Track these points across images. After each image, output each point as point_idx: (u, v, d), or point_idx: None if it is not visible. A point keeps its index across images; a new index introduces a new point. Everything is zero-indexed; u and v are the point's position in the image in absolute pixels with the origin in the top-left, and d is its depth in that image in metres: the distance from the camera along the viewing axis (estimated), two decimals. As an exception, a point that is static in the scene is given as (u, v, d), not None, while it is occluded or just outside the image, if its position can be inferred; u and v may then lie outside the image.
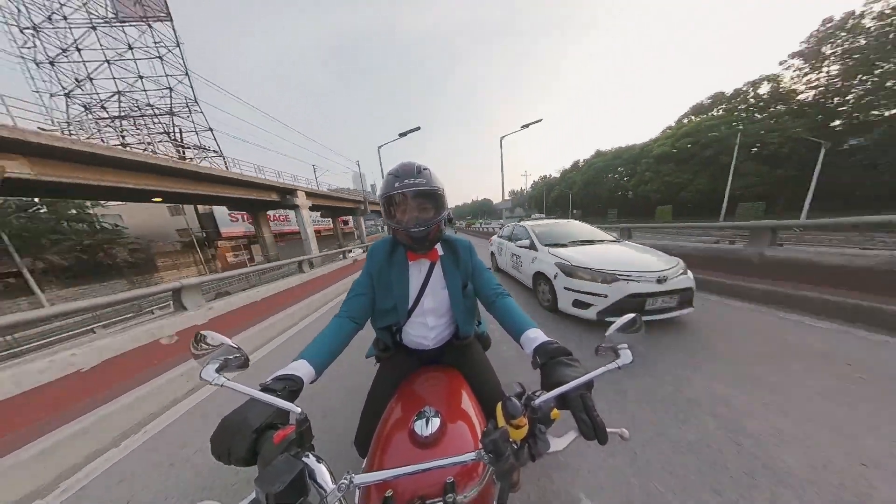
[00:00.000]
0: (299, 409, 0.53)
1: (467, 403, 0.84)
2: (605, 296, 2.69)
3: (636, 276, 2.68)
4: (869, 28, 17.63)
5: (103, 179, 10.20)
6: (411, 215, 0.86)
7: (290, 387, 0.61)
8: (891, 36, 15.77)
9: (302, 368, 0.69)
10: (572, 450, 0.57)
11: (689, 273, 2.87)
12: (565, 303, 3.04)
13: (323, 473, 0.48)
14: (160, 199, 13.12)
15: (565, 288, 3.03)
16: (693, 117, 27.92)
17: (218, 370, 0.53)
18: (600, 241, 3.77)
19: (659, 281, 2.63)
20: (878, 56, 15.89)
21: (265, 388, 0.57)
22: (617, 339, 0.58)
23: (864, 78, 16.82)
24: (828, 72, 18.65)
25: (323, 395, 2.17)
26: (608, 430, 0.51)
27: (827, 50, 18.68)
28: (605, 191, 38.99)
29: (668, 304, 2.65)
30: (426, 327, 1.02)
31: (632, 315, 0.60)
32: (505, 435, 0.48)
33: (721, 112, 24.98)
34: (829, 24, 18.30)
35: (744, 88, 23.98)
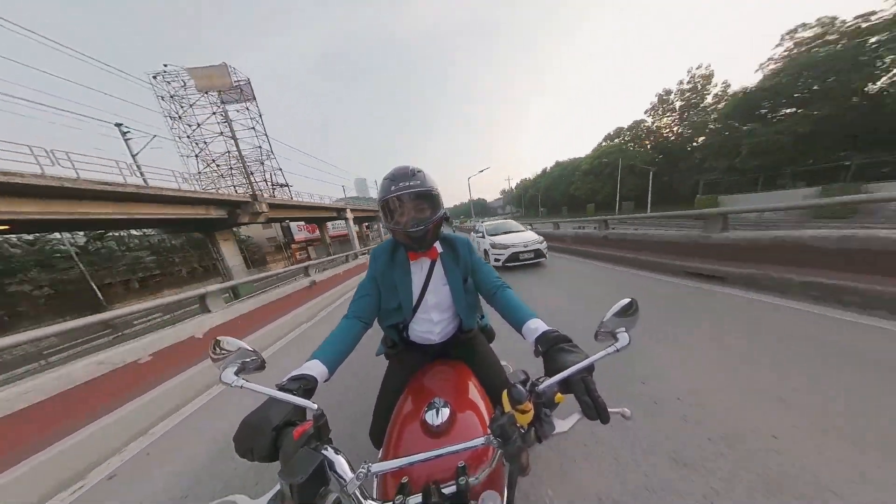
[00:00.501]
0: (315, 406, 0.55)
1: (474, 393, 0.87)
2: (503, 255, 6.42)
3: (518, 246, 6.37)
4: (685, 95, 32.20)
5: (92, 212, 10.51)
6: (409, 216, 0.88)
7: (305, 385, 0.64)
8: (692, 102, 31.53)
9: (315, 368, 0.72)
10: (576, 430, 0.59)
11: (545, 243, 6.54)
12: (491, 261, 6.51)
13: (342, 464, 0.51)
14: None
15: (492, 254, 6.61)
16: (604, 143, 42.39)
17: (237, 373, 0.56)
18: (516, 231, 7.40)
19: (525, 245, 6.36)
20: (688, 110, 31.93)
21: (282, 388, 0.60)
22: (614, 323, 0.60)
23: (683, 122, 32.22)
24: (665, 121, 35.08)
25: (336, 393, 2.31)
26: (610, 410, 0.54)
27: (660, 109, 35.15)
28: (559, 193, 55.57)
29: (530, 257, 6.40)
30: (431, 323, 1.05)
31: (627, 300, 0.61)
32: (512, 419, 0.50)
33: (617, 141, 39.47)
34: (664, 93, 34.13)
35: (626, 126, 38.99)
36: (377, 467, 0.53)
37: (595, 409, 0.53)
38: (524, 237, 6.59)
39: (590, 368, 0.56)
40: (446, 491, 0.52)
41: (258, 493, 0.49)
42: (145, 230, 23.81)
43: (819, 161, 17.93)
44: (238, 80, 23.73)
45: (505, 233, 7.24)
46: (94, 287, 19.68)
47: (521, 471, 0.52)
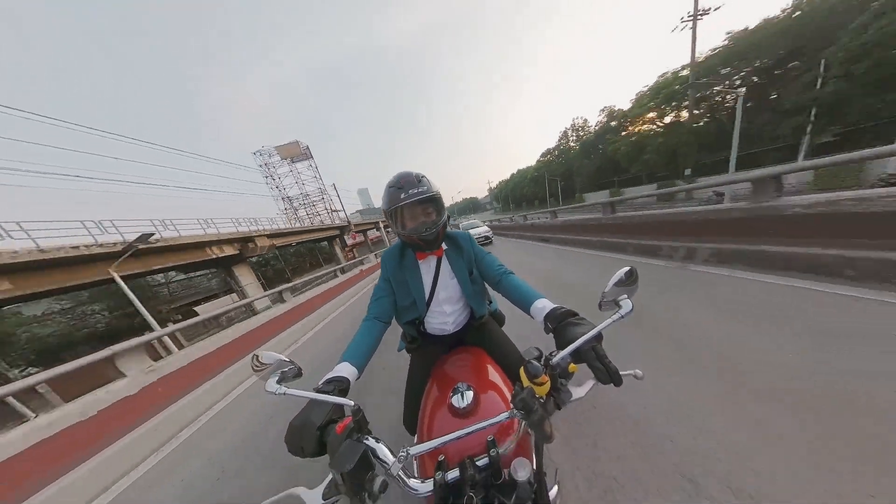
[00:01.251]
0: (352, 402, 0.60)
1: (493, 373, 0.92)
2: None
3: (479, 236, 11.16)
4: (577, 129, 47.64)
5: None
6: (419, 221, 0.93)
7: (339, 386, 0.69)
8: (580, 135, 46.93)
9: (346, 369, 0.78)
10: (592, 394, 0.64)
11: (491, 232, 12.83)
12: None
13: (383, 450, 0.56)
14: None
15: None
16: (541, 158, 60.34)
17: (278, 382, 0.61)
18: (478, 225, 13.53)
19: (480, 234, 11.46)
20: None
21: (319, 391, 0.65)
22: (615, 293, 0.61)
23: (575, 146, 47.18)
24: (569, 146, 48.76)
25: (364, 390, 2.52)
26: (622, 372, 0.57)
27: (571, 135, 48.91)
28: (518, 193, 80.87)
29: (484, 241, 11.47)
30: (444, 315, 1.10)
31: (627, 268, 0.62)
32: (531, 392, 0.55)
33: (548, 157, 55.63)
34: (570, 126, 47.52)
35: (552, 146, 54.83)
36: (415, 450, 0.58)
37: (608, 374, 0.57)
38: (480, 230, 11.97)
39: (598, 337, 0.59)
40: (480, 463, 0.58)
41: (314, 485, 0.55)
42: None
43: (670, 167, 25.31)
44: (304, 149, 44.14)
45: (471, 228, 12.83)
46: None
47: (546, 438, 0.55)
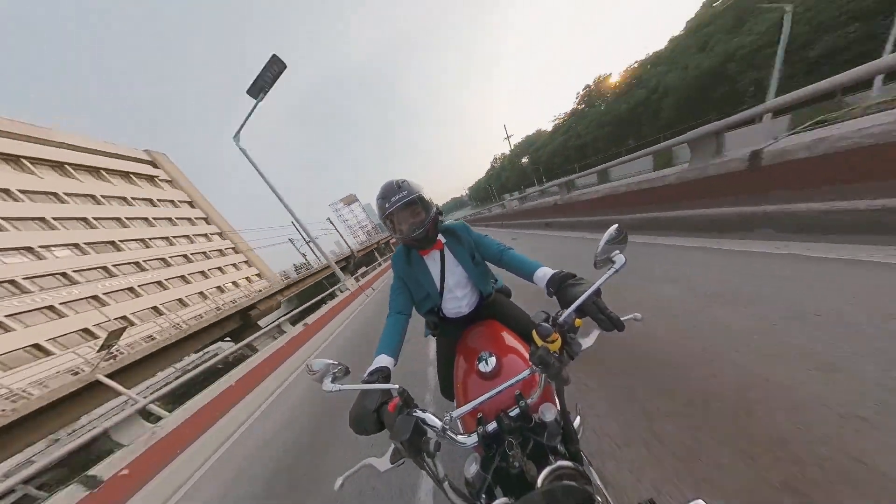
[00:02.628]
0: (397, 385, 0.71)
1: (510, 339, 1.02)
2: None
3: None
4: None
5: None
6: (408, 223, 1.00)
7: (382, 374, 0.81)
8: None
9: (384, 360, 0.89)
10: (599, 341, 0.73)
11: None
12: None
13: (431, 418, 0.67)
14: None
15: None
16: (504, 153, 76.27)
17: (332, 381, 0.71)
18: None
19: None
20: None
21: (367, 382, 0.75)
22: (608, 250, 0.67)
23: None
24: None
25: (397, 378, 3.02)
26: (623, 318, 0.65)
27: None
28: (499, 185, 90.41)
29: None
30: (457, 299, 1.21)
31: (615, 227, 0.67)
32: (546, 350, 0.63)
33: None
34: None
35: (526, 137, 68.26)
36: (457, 413, 0.69)
37: (610, 322, 0.65)
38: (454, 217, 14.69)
39: (597, 292, 0.66)
40: (512, 414, 0.69)
41: (381, 454, 0.68)
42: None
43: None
44: (356, 199, 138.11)
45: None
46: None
47: (564, 382, 0.65)
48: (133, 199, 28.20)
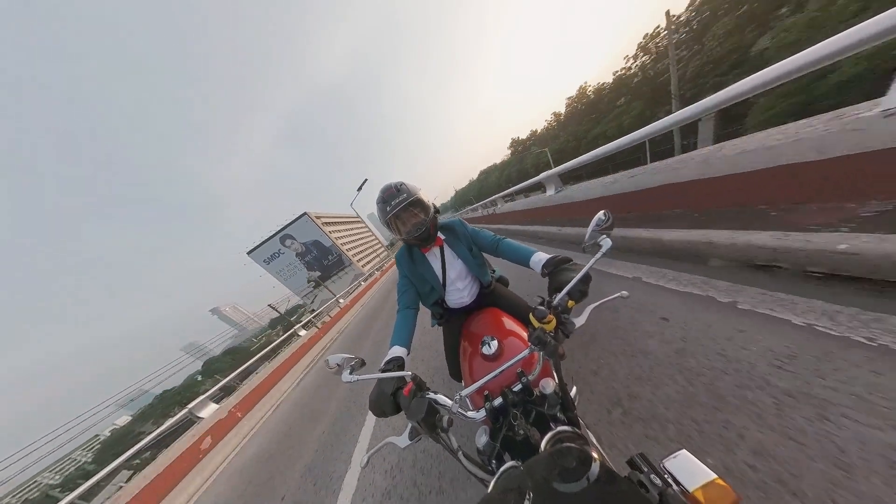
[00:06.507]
0: (410, 372, 0.77)
1: (510, 323, 1.10)
2: None
3: None
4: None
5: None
6: (409, 224, 1.05)
7: (397, 363, 0.89)
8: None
9: (397, 351, 0.97)
10: (590, 318, 0.80)
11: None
12: None
13: (442, 399, 0.74)
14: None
15: None
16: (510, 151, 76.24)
17: (350, 373, 0.78)
18: None
19: None
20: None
21: (383, 371, 0.83)
22: (595, 235, 0.73)
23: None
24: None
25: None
26: (611, 297, 0.74)
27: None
28: (484, 191, 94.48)
29: None
30: (459, 290, 1.29)
31: (602, 212, 0.72)
32: (542, 330, 0.69)
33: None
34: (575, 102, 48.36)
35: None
36: (465, 392, 0.76)
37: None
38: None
39: (586, 277, 0.72)
40: (516, 389, 0.76)
41: (400, 433, 0.76)
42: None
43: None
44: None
45: None
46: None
47: (561, 358, 0.72)
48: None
